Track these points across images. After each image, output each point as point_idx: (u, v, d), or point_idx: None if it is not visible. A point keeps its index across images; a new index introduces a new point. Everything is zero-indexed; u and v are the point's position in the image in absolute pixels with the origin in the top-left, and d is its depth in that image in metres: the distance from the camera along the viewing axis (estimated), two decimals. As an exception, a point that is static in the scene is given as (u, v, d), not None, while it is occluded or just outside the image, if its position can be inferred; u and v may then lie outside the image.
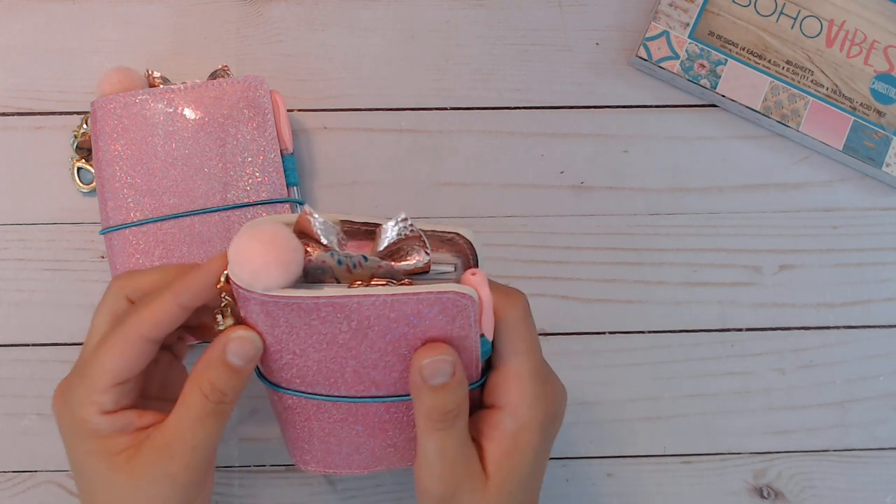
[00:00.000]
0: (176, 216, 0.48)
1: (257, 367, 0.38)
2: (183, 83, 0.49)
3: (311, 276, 0.34)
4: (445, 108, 0.54)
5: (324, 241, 0.34)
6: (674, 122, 0.54)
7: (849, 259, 0.54)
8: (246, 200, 0.48)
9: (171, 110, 0.48)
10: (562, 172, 0.54)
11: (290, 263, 0.33)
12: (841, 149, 0.52)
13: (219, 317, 0.36)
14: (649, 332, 0.53)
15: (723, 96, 0.53)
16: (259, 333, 0.35)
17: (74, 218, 0.52)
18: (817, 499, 0.52)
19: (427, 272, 0.35)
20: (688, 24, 0.53)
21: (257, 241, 0.32)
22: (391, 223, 0.35)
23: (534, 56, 0.54)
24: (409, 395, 0.38)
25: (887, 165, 0.52)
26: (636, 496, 0.52)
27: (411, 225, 0.35)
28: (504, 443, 0.37)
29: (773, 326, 0.53)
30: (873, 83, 0.53)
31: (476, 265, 0.36)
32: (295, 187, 0.50)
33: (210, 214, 0.48)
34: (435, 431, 0.36)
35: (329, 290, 0.34)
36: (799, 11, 0.53)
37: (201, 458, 0.36)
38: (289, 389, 0.38)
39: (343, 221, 0.35)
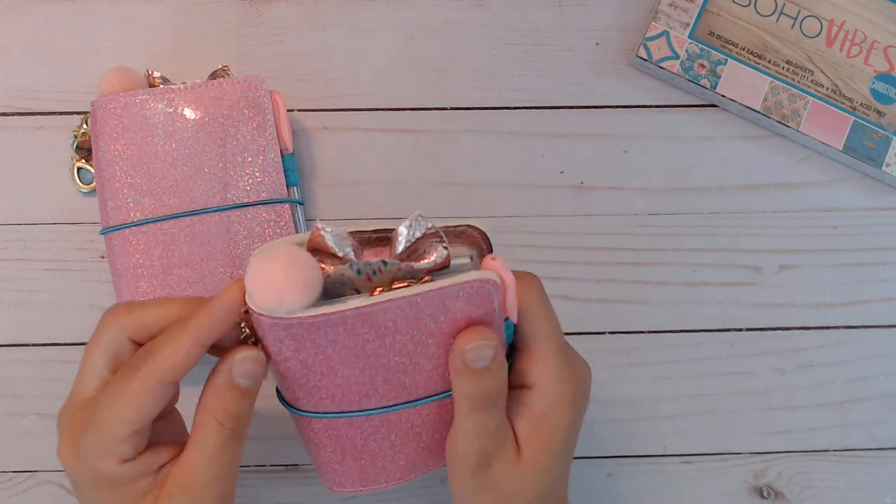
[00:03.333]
0: (176, 216, 0.48)
1: (282, 397, 0.37)
2: (183, 83, 0.49)
3: (330, 291, 0.33)
4: (445, 108, 0.54)
5: (339, 253, 0.33)
6: (674, 122, 0.54)
7: (849, 259, 0.54)
8: (246, 200, 0.48)
9: (171, 110, 0.48)
10: (562, 172, 0.54)
11: (312, 282, 0.32)
12: (841, 149, 0.52)
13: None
14: (649, 332, 0.53)
15: (723, 96, 0.53)
16: (269, 355, 0.34)
17: (74, 218, 0.52)
18: (817, 499, 0.52)
19: (447, 267, 0.35)
20: (688, 24, 0.53)
21: (276, 264, 0.31)
22: (406, 224, 0.34)
23: (534, 56, 0.54)
24: (439, 394, 0.37)
25: (887, 165, 0.52)
26: (636, 496, 0.52)
27: (427, 221, 0.34)
28: (535, 421, 0.38)
29: (773, 326, 0.53)
30: (873, 83, 0.53)
31: (491, 252, 0.36)
32: (295, 187, 0.50)
33: (210, 214, 0.48)
34: (476, 413, 0.36)
35: (353, 301, 0.33)
36: (799, 11, 0.53)
37: (227, 483, 0.36)
38: (318, 413, 0.37)
39: (353, 232, 0.35)
